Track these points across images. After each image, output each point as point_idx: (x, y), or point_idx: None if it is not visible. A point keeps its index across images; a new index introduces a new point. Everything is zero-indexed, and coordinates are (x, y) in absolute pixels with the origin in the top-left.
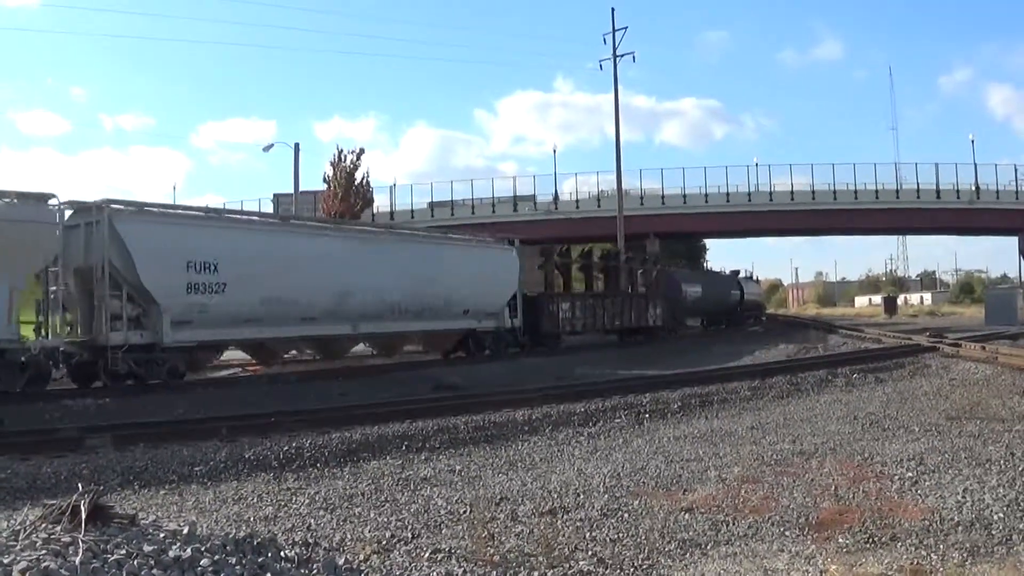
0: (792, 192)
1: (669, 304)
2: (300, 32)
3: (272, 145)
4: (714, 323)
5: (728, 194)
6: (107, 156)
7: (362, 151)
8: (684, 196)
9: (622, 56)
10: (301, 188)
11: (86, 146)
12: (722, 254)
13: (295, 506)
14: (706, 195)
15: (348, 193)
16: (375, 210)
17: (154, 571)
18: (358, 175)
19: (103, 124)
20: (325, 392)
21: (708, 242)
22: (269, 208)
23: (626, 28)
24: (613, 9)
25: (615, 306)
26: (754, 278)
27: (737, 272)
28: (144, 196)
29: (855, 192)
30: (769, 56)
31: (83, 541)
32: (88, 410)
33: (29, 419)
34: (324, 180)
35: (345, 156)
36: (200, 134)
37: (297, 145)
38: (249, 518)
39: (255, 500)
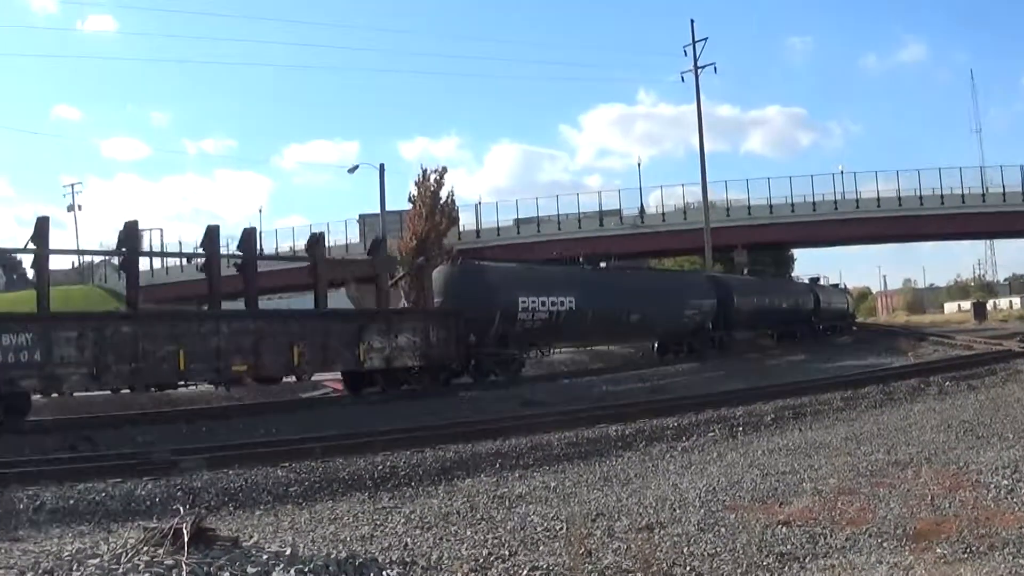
0: (878, 199)
1: (481, 327)
2: (381, 52)
3: (357, 167)
4: (669, 349)
5: (814, 203)
6: (190, 181)
7: (445, 170)
8: (770, 206)
9: (703, 67)
10: (387, 208)
11: (169, 171)
12: (811, 264)
13: (391, 525)
14: (792, 204)
15: (433, 212)
16: (460, 228)
17: None
18: (443, 194)
19: (186, 149)
20: (414, 411)
21: (796, 252)
22: (355, 230)
23: (706, 39)
24: (692, 21)
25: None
26: (816, 280)
27: (746, 268)
28: (230, 219)
29: (941, 197)
30: (852, 61)
31: (186, 564)
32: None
33: (122, 442)
34: (409, 200)
35: (429, 175)
36: (283, 156)
37: (382, 166)
38: (346, 538)
39: (351, 520)
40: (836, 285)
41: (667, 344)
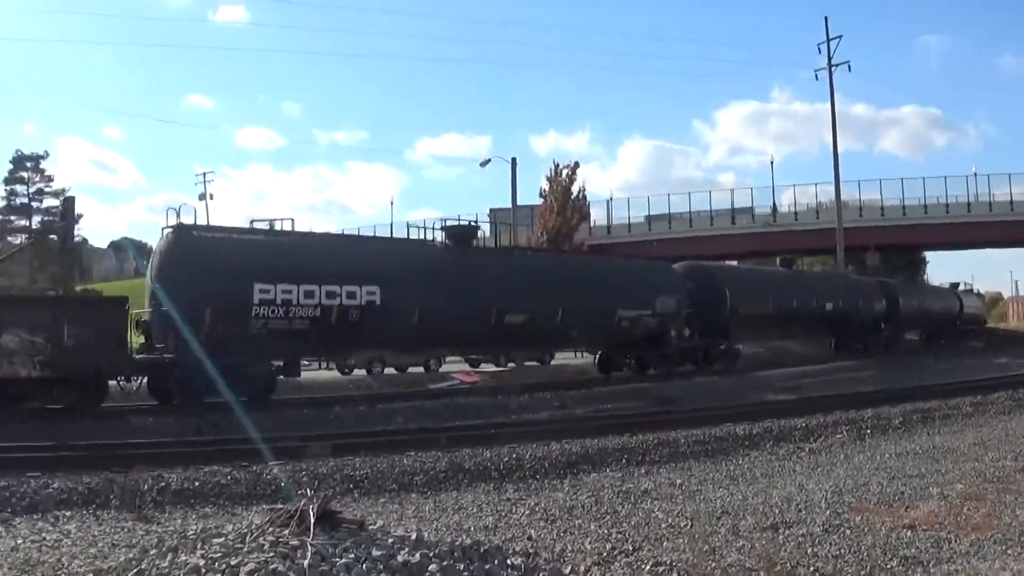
0: (1011, 202)
1: (188, 325)
2: (514, 47)
3: (489, 160)
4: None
5: (947, 205)
6: (322, 172)
7: (577, 165)
8: (903, 207)
9: (837, 66)
10: (518, 202)
11: (301, 162)
12: (943, 267)
13: (515, 516)
14: (925, 206)
15: (564, 207)
16: (592, 224)
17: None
18: (574, 189)
19: (317, 139)
20: (543, 404)
21: (929, 254)
22: (486, 224)
23: (840, 37)
24: (827, 19)
25: None
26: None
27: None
28: (362, 211)
29: None
30: (988, 60)
31: (311, 545)
32: (309, 419)
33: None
34: (540, 194)
35: (561, 170)
36: (415, 149)
37: (514, 160)
38: (469, 527)
39: (475, 510)
40: (956, 285)
41: (617, 358)
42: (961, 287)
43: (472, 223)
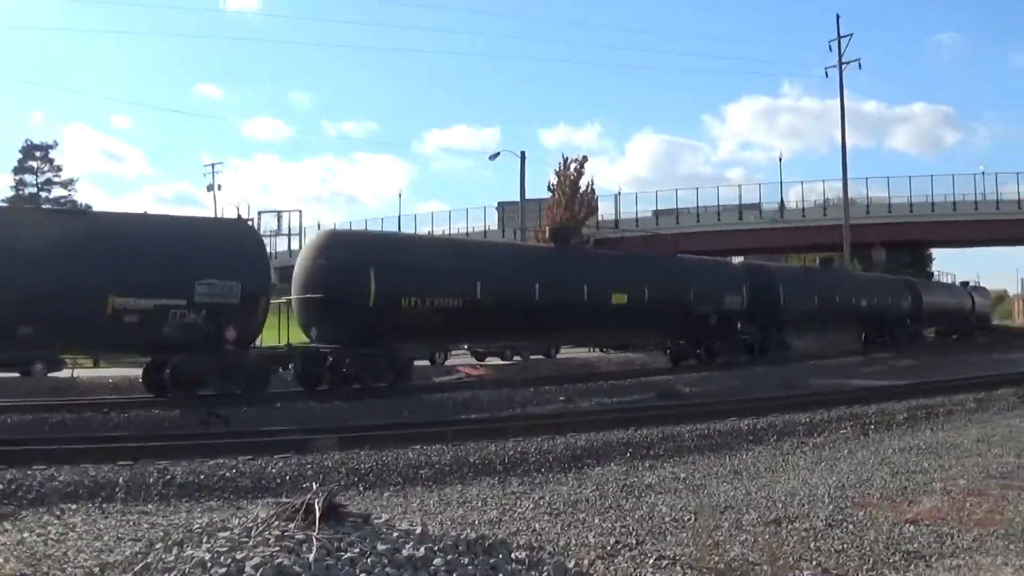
0: (1019, 201)
1: None
2: (523, 40)
3: (498, 154)
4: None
5: (954, 203)
6: (329, 163)
7: (585, 159)
8: (910, 205)
9: (848, 63)
10: (527, 196)
11: (309, 153)
12: (949, 264)
13: (520, 510)
14: (932, 204)
15: (572, 201)
16: (599, 218)
17: (387, 569)
18: (582, 183)
19: (326, 130)
20: (549, 398)
21: (936, 252)
22: (494, 216)
23: (851, 35)
24: (838, 16)
25: None
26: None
27: None
28: (369, 203)
29: None
30: (1001, 60)
31: (317, 539)
32: (313, 412)
33: (254, 419)
34: (549, 188)
35: (569, 164)
36: (424, 141)
37: (523, 154)
38: (474, 521)
39: (479, 504)
40: (965, 283)
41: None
42: (971, 284)
43: None
